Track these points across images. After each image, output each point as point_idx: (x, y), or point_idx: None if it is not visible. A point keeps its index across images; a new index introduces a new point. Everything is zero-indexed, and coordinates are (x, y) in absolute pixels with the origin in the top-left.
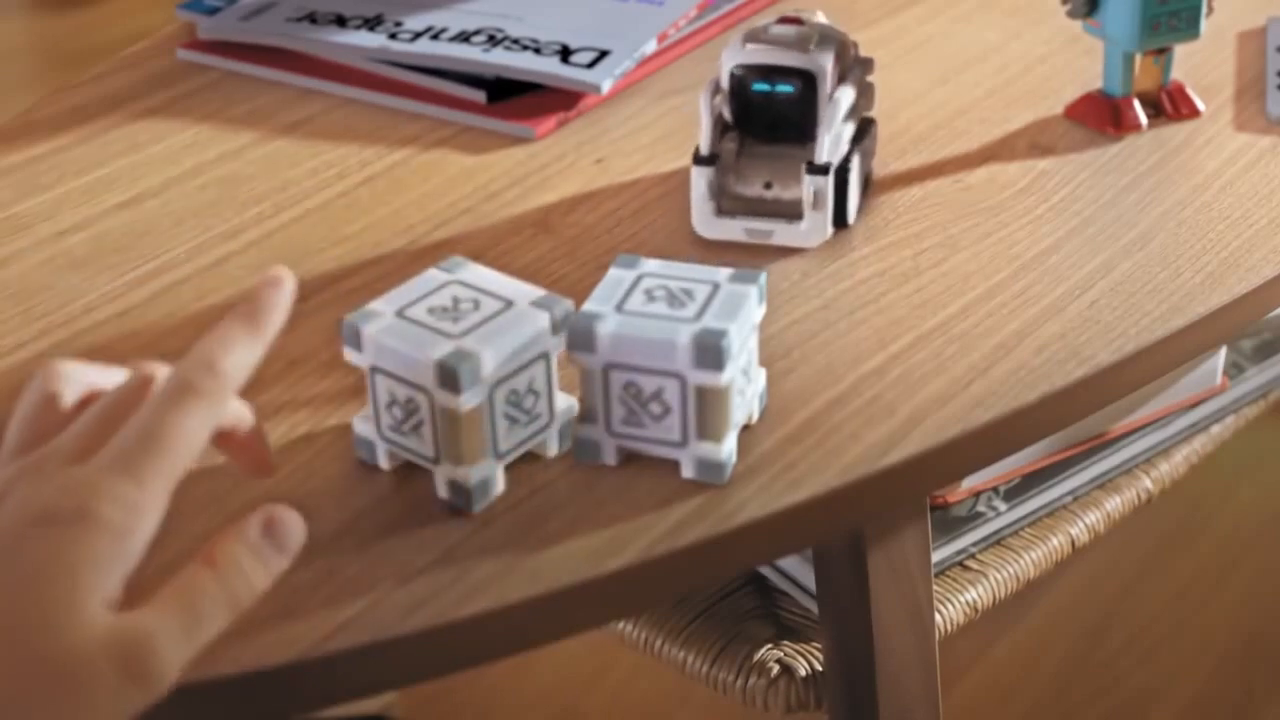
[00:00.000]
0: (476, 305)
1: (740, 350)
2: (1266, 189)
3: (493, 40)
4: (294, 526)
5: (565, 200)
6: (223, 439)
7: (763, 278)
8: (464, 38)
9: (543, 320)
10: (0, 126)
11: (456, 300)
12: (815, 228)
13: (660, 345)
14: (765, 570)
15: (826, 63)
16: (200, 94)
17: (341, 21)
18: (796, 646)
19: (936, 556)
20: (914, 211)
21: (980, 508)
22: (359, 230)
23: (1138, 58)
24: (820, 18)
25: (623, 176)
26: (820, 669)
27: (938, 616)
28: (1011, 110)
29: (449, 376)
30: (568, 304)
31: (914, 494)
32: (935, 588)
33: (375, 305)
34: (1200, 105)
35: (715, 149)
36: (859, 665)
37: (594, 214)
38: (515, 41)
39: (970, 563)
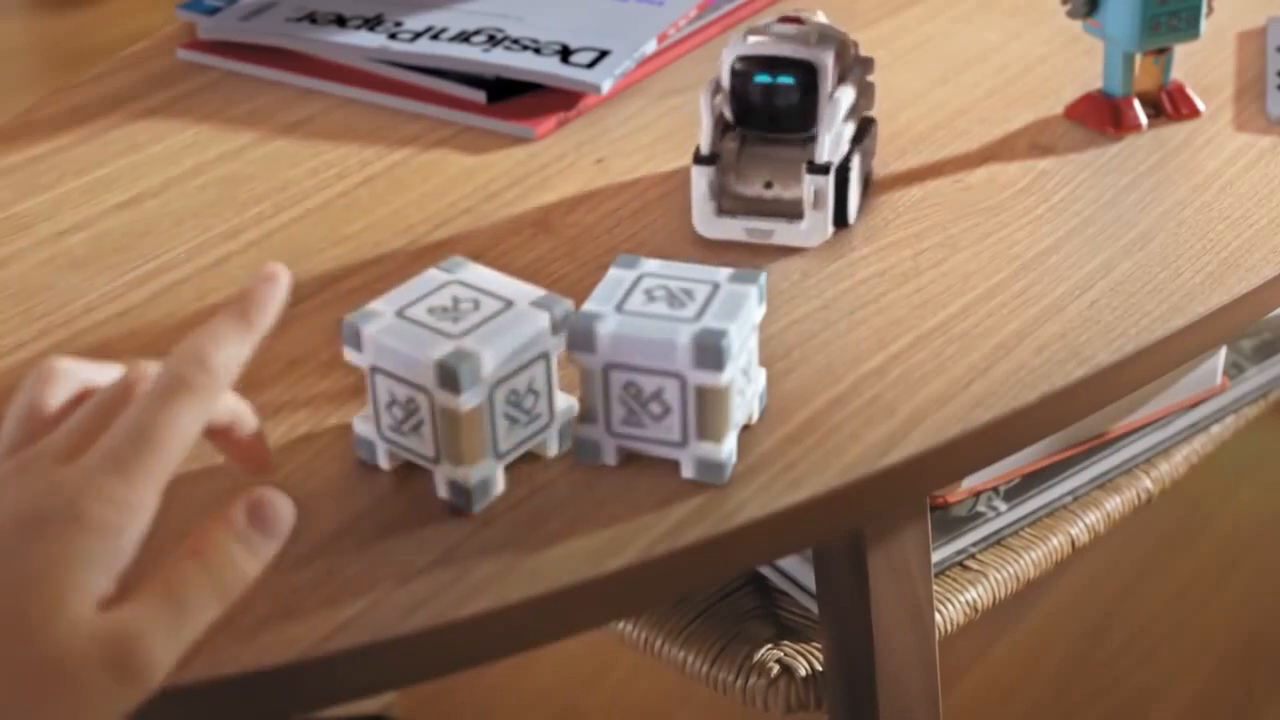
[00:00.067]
0: (476, 305)
1: (740, 350)
2: (1266, 189)
3: (493, 40)
4: (281, 509)
5: (565, 200)
6: (221, 437)
7: (763, 278)
8: (464, 38)
9: (543, 320)
10: (0, 126)
11: (456, 300)
12: (816, 227)
13: (660, 345)
14: (765, 570)
15: (827, 57)
16: (200, 94)
17: (341, 21)
18: (796, 646)
19: (936, 556)
20: (914, 211)
21: (980, 508)
22: (359, 230)
23: (1138, 58)
24: (820, 17)
25: (623, 176)
26: (820, 669)
27: (938, 616)
28: (1011, 110)
29: (449, 376)
30: (568, 304)
31: (914, 494)
32: (935, 588)
33: (375, 305)
34: (1200, 105)
35: (716, 148)
36: (859, 665)
37: (594, 214)
38: (515, 41)
39: (970, 563)
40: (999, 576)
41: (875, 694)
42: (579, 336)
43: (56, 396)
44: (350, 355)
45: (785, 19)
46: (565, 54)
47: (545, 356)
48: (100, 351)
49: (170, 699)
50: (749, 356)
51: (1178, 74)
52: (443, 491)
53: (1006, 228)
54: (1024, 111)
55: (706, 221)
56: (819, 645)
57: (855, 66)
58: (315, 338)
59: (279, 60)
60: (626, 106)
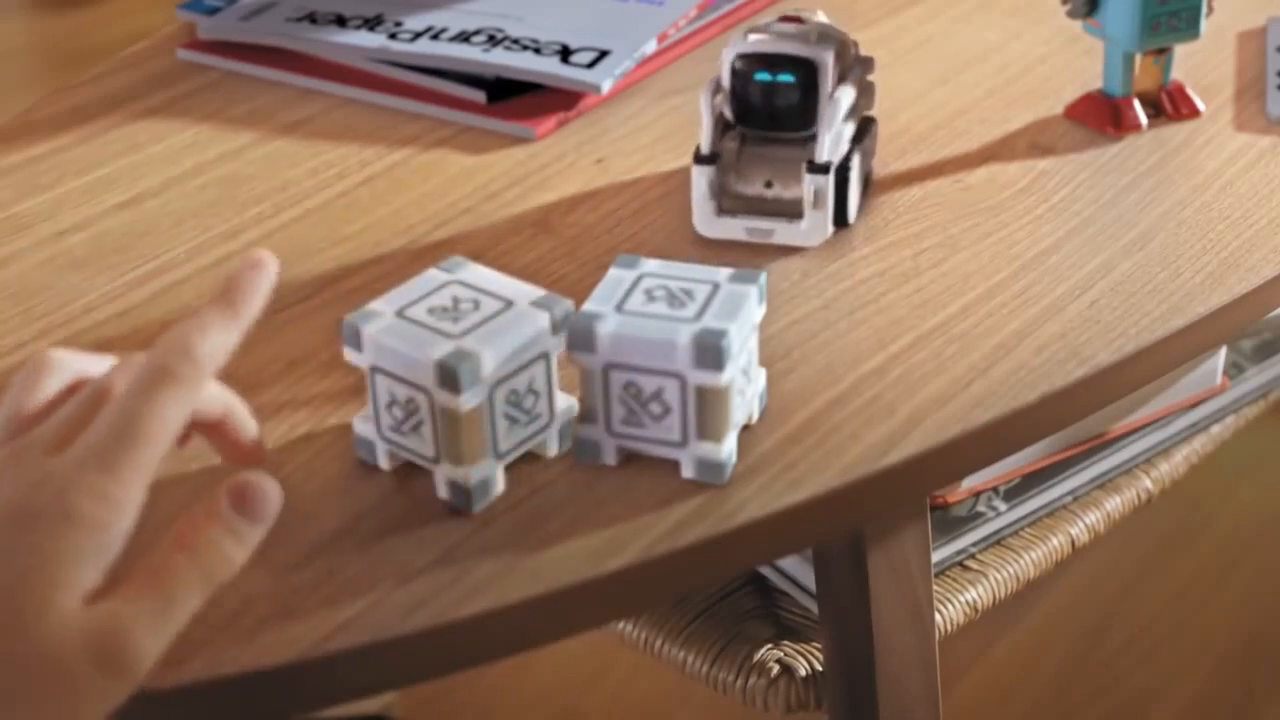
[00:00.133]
0: (476, 305)
1: (740, 350)
2: (1266, 189)
3: (493, 40)
4: (267, 493)
5: (565, 200)
6: (213, 432)
7: (763, 278)
8: (464, 38)
9: (543, 320)
10: (0, 126)
11: (456, 300)
12: (816, 227)
13: (660, 345)
14: (765, 570)
15: (828, 56)
16: (200, 94)
17: (341, 21)
18: (796, 646)
19: (936, 556)
20: (914, 211)
21: (980, 508)
22: (359, 230)
23: (1138, 58)
24: (820, 17)
25: (623, 176)
26: (820, 669)
27: (938, 616)
28: (1011, 110)
29: (449, 376)
30: (568, 304)
31: (914, 494)
32: (935, 588)
33: (375, 305)
34: (1200, 105)
35: (716, 148)
36: (859, 665)
37: (594, 214)
38: (515, 41)
39: (970, 563)
40: (999, 576)
41: (875, 694)
42: (579, 336)
43: (50, 387)
44: (350, 355)
45: (785, 18)
46: (565, 54)
47: (545, 356)
48: (100, 351)
49: (171, 699)
50: (749, 356)
51: (1178, 74)
52: (443, 491)
53: (1006, 228)
54: (1024, 111)
55: (706, 221)
56: (819, 645)
57: (855, 66)
58: (315, 338)
59: (279, 60)
60: (626, 106)
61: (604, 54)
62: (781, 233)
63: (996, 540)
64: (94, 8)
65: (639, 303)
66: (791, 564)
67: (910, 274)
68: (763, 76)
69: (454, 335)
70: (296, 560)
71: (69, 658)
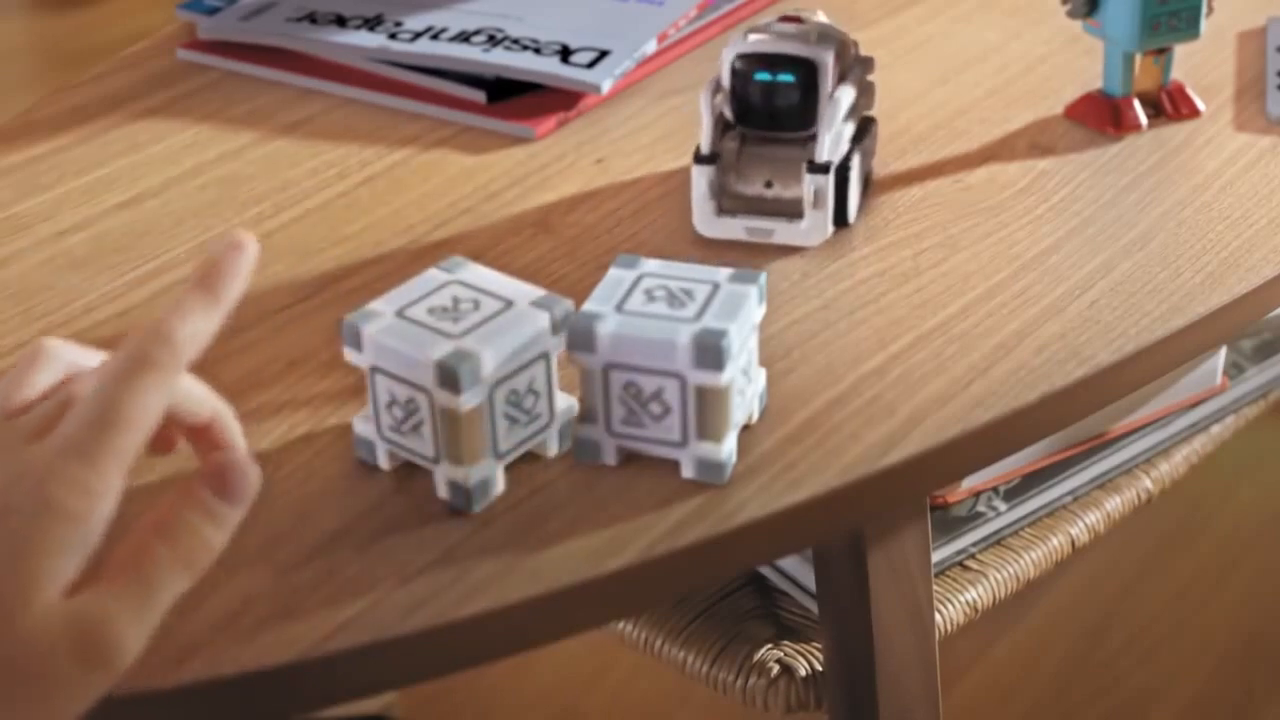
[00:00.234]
0: (476, 305)
1: (740, 350)
2: (1266, 189)
3: (493, 40)
4: (245, 474)
5: (565, 200)
6: (198, 435)
7: (763, 278)
8: (464, 38)
9: (543, 320)
10: (0, 126)
11: (456, 300)
12: (816, 226)
13: (660, 345)
14: (765, 570)
15: (828, 55)
16: (200, 94)
17: (341, 21)
18: (796, 646)
19: (936, 556)
20: (914, 211)
21: (980, 508)
22: (359, 230)
23: (1138, 58)
24: (820, 17)
25: (623, 176)
26: (820, 669)
27: (938, 616)
28: (1011, 110)
29: (449, 376)
30: (568, 304)
31: (914, 494)
32: (935, 588)
33: (375, 305)
34: (1200, 105)
35: (716, 148)
36: (859, 665)
37: (594, 214)
38: (515, 41)
39: (970, 563)
40: (999, 576)
41: (875, 694)
42: (579, 336)
43: (43, 377)
44: (350, 355)
45: (785, 18)
46: (565, 54)
47: (545, 356)
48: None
49: (171, 699)
50: (749, 356)
51: (1178, 74)
52: (443, 491)
53: (1006, 228)
54: (1024, 111)
55: (706, 221)
56: (819, 645)
57: (855, 66)
58: (315, 338)
59: (279, 60)
60: (626, 106)
61: (604, 54)
62: (781, 232)
63: (996, 540)
64: (94, 8)
65: (639, 303)
66: (791, 564)
67: (910, 274)
68: (763, 76)
69: (454, 335)
70: (296, 560)
71: (50, 651)
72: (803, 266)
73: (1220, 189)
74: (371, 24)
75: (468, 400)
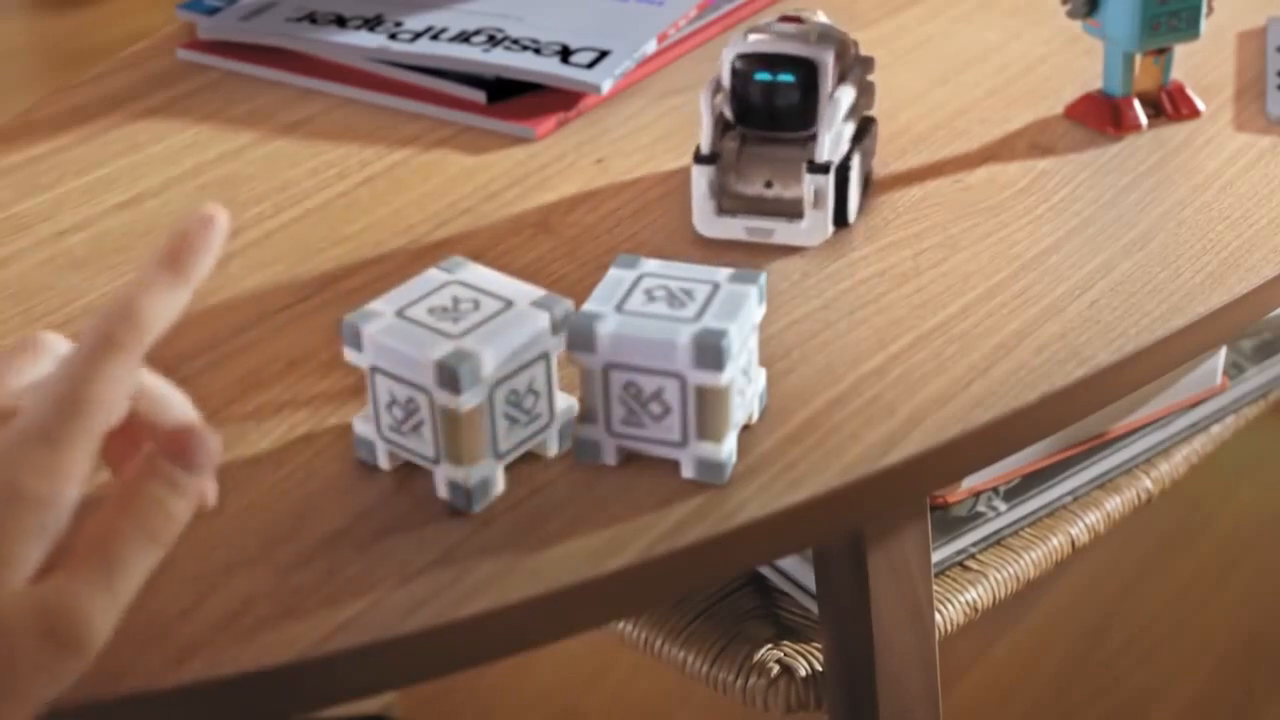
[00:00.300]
0: (476, 305)
1: (740, 350)
2: (1266, 189)
3: (493, 40)
4: (203, 440)
5: (565, 200)
6: (171, 441)
7: (763, 278)
8: (464, 38)
9: (543, 320)
10: (0, 126)
11: (456, 300)
12: (816, 226)
13: (660, 345)
14: (765, 570)
15: (828, 55)
16: (200, 94)
17: (341, 21)
18: (796, 646)
19: (936, 556)
20: (914, 211)
21: (980, 508)
22: (359, 230)
23: (1138, 58)
24: (821, 17)
25: (623, 176)
26: (820, 669)
27: (938, 616)
28: (1011, 110)
29: (449, 376)
30: (568, 304)
31: (914, 494)
32: (935, 588)
33: (375, 305)
34: (1200, 105)
35: (716, 148)
36: (859, 665)
37: (594, 214)
38: (515, 41)
39: (970, 563)
40: (999, 576)
41: (875, 694)
42: (579, 336)
43: (31, 366)
44: (350, 355)
45: (785, 18)
46: (565, 54)
47: (545, 356)
48: None
49: (171, 699)
50: (749, 356)
51: (1178, 74)
52: (443, 491)
53: (1006, 228)
54: (1024, 111)
55: (706, 221)
56: (819, 645)
57: (855, 66)
58: (315, 338)
59: (279, 60)
60: (626, 106)
61: (604, 54)
62: (781, 232)
63: (996, 540)
64: (94, 8)
65: (639, 303)
66: (791, 564)
67: (910, 274)
68: (763, 76)
69: (454, 335)
70: (296, 560)
71: (17, 637)
72: (803, 266)
73: (1220, 189)
74: (371, 24)
75: (468, 400)
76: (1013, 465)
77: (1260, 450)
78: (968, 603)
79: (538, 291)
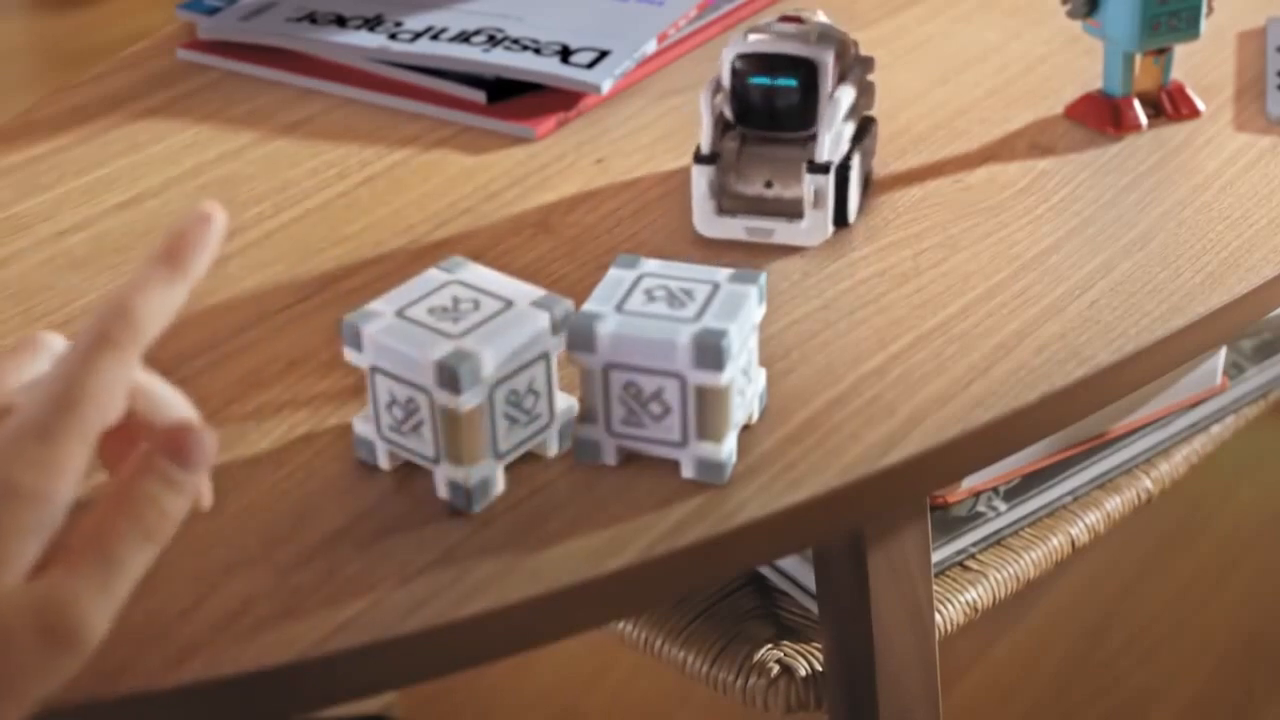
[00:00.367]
0: (476, 305)
1: (740, 350)
2: (1266, 189)
3: (493, 40)
4: (200, 438)
5: (565, 200)
6: (168, 440)
7: (763, 278)
8: (464, 38)
9: (543, 320)
10: (0, 126)
11: (456, 300)
12: (816, 226)
13: (660, 345)
14: (765, 570)
15: (828, 55)
16: (200, 94)
17: (341, 21)
18: (796, 646)
19: (936, 556)
20: (914, 211)
21: (980, 508)
22: (359, 230)
23: (1138, 58)
24: (821, 17)
25: (623, 176)
26: (820, 669)
27: (938, 616)
28: (1011, 110)
29: (449, 376)
30: (568, 304)
31: (914, 494)
32: (935, 588)
33: (375, 305)
34: (1200, 105)
35: (716, 148)
36: (859, 665)
37: (594, 214)
38: (515, 41)
39: (970, 563)
40: (999, 576)
41: (875, 694)
42: (579, 336)
43: (29, 365)
44: (350, 355)
45: (785, 18)
46: (565, 54)
47: (545, 356)
48: None
49: (171, 699)
50: (749, 356)
51: (1178, 74)
52: (443, 491)
53: (1006, 228)
54: (1024, 111)
55: (707, 220)
56: (819, 645)
57: (855, 66)
58: (315, 338)
59: (279, 60)
60: (626, 106)
61: (604, 54)
62: (781, 232)
63: (996, 540)
64: (94, 8)
65: (639, 303)
66: (791, 564)
67: (910, 274)
68: (761, 81)
69: (454, 335)
70: (296, 560)
71: (14, 636)
72: (803, 266)
73: (1220, 189)
74: (371, 24)
75: (468, 400)
76: (1013, 465)
77: (1260, 450)
78: (968, 603)
79: (538, 291)
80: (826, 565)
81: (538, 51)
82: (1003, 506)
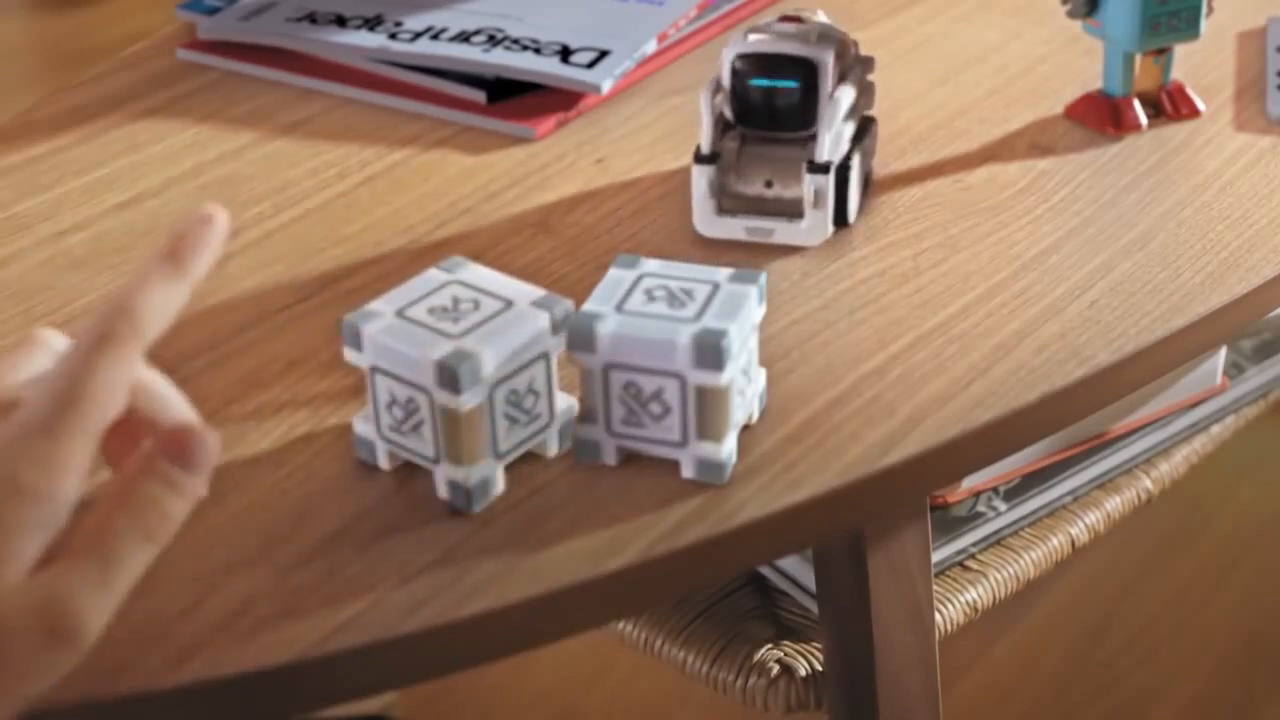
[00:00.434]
0: (476, 305)
1: (740, 350)
2: (1266, 189)
3: (493, 40)
4: (203, 441)
5: (565, 200)
6: (170, 441)
7: (763, 278)
8: (464, 38)
9: (543, 320)
10: (0, 126)
11: (456, 300)
12: (816, 226)
13: (660, 345)
14: (765, 570)
15: (828, 56)
16: (200, 94)
17: (341, 21)
18: (796, 646)
19: (936, 556)
20: (914, 211)
21: (980, 508)
22: (359, 230)
23: (1138, 58)
24: (821, 17)
25: (623, 176)
26: (820, 669)
27: (938, 616)
28: (1011, 110)
29: (449, 376)
30: (568, 304)
31: (914, 494)
32: (935, 588)
33: (375, 305)
34: (1200, 105)
35: (716, 147)
36: (859, 665)
37: (594, 214)
38: (515, 41)
39: (970, 563)
40: (999, 576)
41: (875, 694)
42: (579, 336)
43: (30, 363)
44: (350, 355)
45: (785, 18)
46: (565, 54)
47: (545, 356)
48: None
49: (171, 699)
50: (749, 356)
51: (1178, 74)
52: (443, 491)
53: (1006, 228)
54: (1024, 111)
55: (707, 220)
56: (819, 645)
57: (855, 66)
58: (315, 338)
59: (279, 60)
60: (626, 106)
61: (604, 54)
62: (781, 232)
63: (996, 540)
64: (94, 8)
65: (639, 303)
66: (791, 564)
67: (910, 274)
68: (761, 83)
69: (454, 335)
70: (296, 560)
71: (14, 632)
72: (803, 266)
73: (1220, 189)
74: (371, 24)
75: (468, 400)
76: (1013, 465)
77: (1260, 450)
78: (968, 603)
79: (538, 291)
80: (826, 565)
81: (538, 51)
82: (1003, 506)
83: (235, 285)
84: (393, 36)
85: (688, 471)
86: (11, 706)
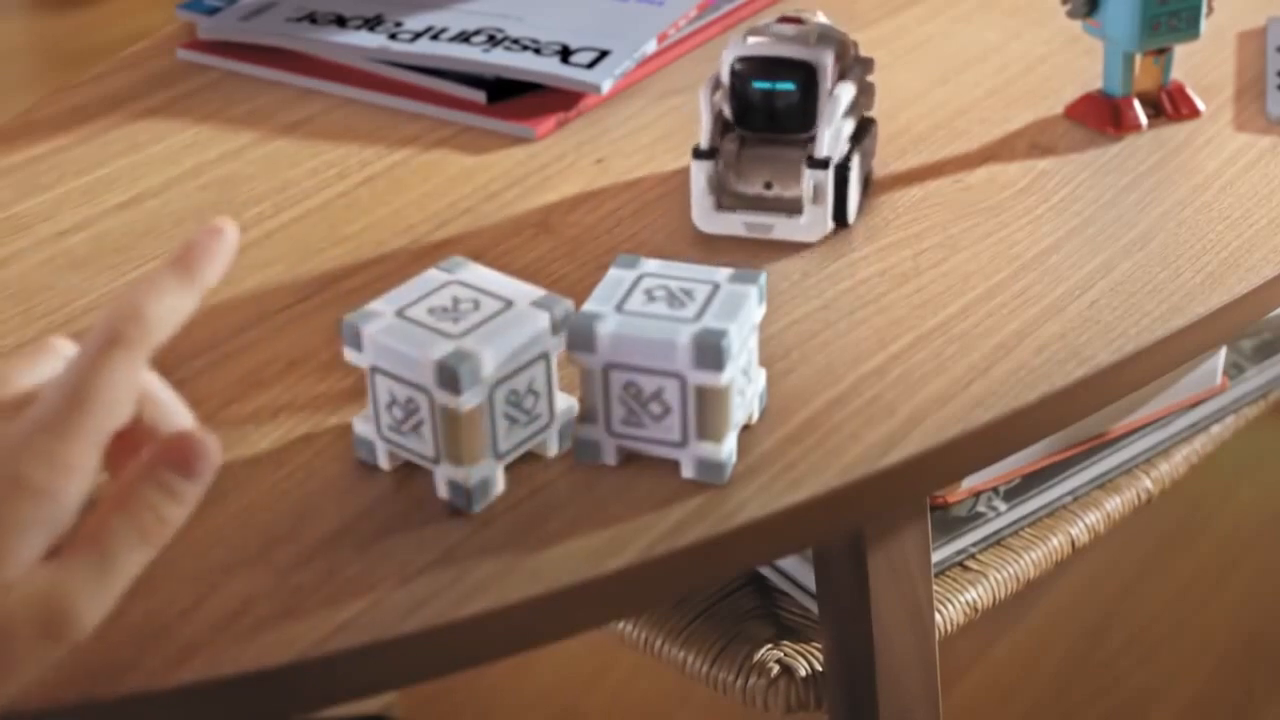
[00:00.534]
0: (476, 305)
1: (740, 350)
2: (1266, 189)
3: (493, 40)
4: (204, 449)
5: (565, 200)
6: (171, 447)
7: (763, 278)
8: (464, 38)
9: (543, 320)
10: (0, 126)
11: (456, 300)
12: (815, 222)
13: (660, 345)
14: (765, 570)
15: (827, 57)
16: (200, 94)
17: (341, 21)
18: (796, 646)
19: (936, 556)
20: (914, 211)
21: (980, 508)
22: (359, 230)
23: (1138, 58)
24: (820, 17)
25: (623, 176)
26: (820, 669)
27: (938, 616)
28: (1011, 110)
29: (449, 376)
30: (568, 304)
31: (914, 494)
32: (935, 588)
33: (375, 305)
34: (1200, 105)
35: (715, 143)
36: (859, 665)
37: (594, 214)
38: (515, 41)
39: (970, 563)
40: (999, 576)
41: (875, 694)
42: (579, 336)
43: (38, 369)
44: (350, 355)
45: (785, 19)
46: (565, 54)
47: (545, 356)
48: None
49: (171, 699)
50: (749, 356)
51: (1178, 74)
52: (443, 491)
53: (1006, 228)
54: (1024, 111)
55: (706, 216)
56: (819, 645)
57: (855, 66)
58: (315, 338)
59: (279, 60)
60: (626, 106)
61: (604, 54)
62: (781, 227)
63: (996, 540)
64: (94, 8)
65: (639, 303)
66: (791, 564)
67: (910, 274)
68: (761, 85)
69: (454, 335)
70: (296, 560)
71: (13, 627)
72: (803, 266)
73: (1220, 189)
74: (371, 24)
75: (468, 400)
76: (1013, 465)
77: (1260, 450)
78: (968, 603)
79: (538, 291)
80: (826, 565)
81: (538, 51)
82: (1003, 506)
83: (235, 285)
84: (393, 36)
85: (688, 471)
86: (3, 699)
